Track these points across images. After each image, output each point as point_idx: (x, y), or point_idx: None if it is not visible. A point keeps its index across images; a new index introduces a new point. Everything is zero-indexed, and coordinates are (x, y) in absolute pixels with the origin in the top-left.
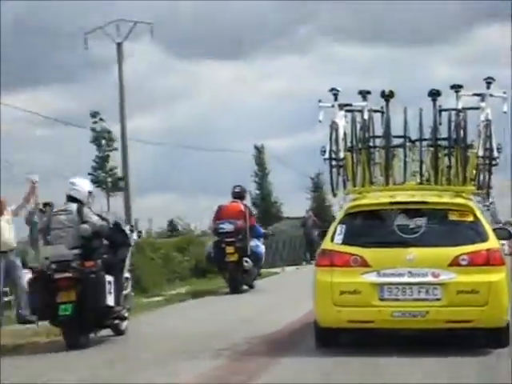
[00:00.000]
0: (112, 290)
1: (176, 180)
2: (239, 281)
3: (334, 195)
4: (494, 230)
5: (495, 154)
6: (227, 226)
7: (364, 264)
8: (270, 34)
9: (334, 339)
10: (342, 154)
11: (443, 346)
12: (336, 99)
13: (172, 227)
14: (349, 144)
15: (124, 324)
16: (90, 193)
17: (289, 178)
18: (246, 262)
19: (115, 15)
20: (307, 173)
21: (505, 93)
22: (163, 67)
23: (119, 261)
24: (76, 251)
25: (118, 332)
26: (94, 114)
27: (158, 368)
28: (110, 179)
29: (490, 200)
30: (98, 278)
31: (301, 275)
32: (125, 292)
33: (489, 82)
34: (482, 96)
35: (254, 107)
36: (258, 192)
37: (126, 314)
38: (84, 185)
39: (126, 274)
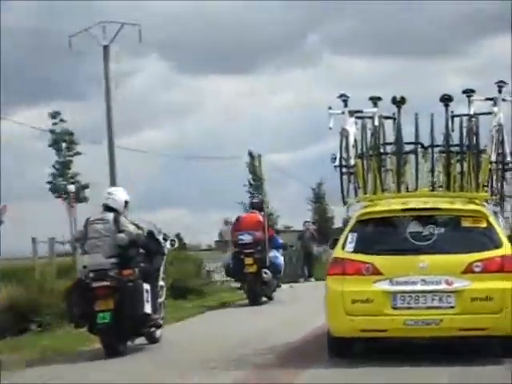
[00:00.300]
0: (149, 299)
1: (173, 193)
2: (258, 292)
3: (345, 203)
4: (510, 236)
5: (508, 158)
6: (246, 237)
7: (376, 272)
8: (276, 47)
9: (347, 349)
10: (352, 161)
11: (458, 356)
12: (346, 105)
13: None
14: (359, 151)
15: (158, 332)
16: (126, 202)
17: (293, 189)
18: (265, 273)
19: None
20: (311, 184)
21: None
22: (170, 82)
23: (154, 269)
24: (113, 260)
25: (153, 340)
26: (54, 115)
27: (186, 378)
28: (72, 186)
29: (507, 207)
30: (136, 287)
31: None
32: (159, 300)
33: (500, 85)
34: (494, 100)
35: (261, 121)
36: None
37: (161, 322)
38: (120, 194)
39: (161, 283)
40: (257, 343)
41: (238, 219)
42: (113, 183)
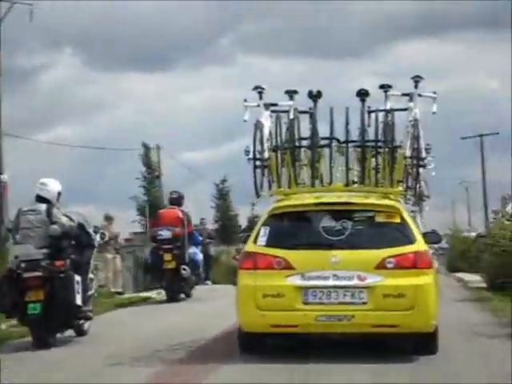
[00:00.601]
0: (80, 290)
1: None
2: (176, 289)
3: (258, 196)
4: (425, 234)
5: (423, 154)
6: (165, 233)
7: (288, 266)
8: (192, 46)
9: (258, 344)
10: (266, 154)
11: (372, 352)
12: (261, 98)
13: None
14: (274, 144)
15: (86, 325)
16: (59, 193)
17: (204, 188)
18: (184, 269)
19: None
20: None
21: (434, 93)
22: (85, 79)
23: (85, 262)
24: (45, 251)
25: (81, 333)
26: None
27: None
28: None
29: (425, 206)
30: (68, 278)
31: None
32: (89, 293)
33: (416, 80)
34: (410, 96)
35: (175, 119)
36: (145, 199)
37: (91, 315)
38: (53, 185)
39: (91, 275)
40: (172, 340)
41: (157, 214)
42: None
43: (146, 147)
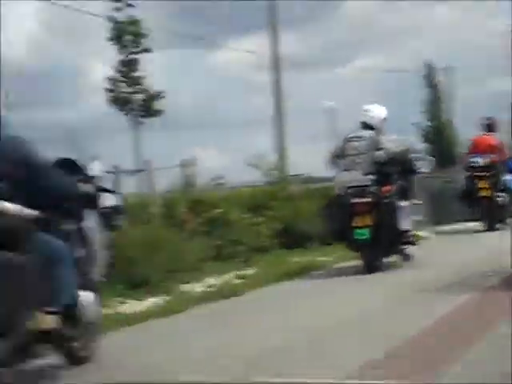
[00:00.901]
0: (406, 215)
1: None
2: (493, 217)
3: None
4: None
5: None
6: (479, 160)
7: None
8: None
9: None
10: None
11: None
12: None
13: None
14: None
15: (411, 250)
16: (384, 119)
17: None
18: (500, 196)
19: None
20: None
21: None
22: (389, 5)
23: (410, 187)
24: (371, 177)
25: (405, 258)
26: None
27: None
28: (139, 96)
29: None
30: (393, 203)
31: None
32: (415, 217)
33: None
34: None
35: (478, 46)
36: (429, 124)
37: (415, 240)
38: (378, 111)
39: (416, 201)
40: (486, 266)
41: (471, 142)
42: (279, 103)
43: (430, 67)
